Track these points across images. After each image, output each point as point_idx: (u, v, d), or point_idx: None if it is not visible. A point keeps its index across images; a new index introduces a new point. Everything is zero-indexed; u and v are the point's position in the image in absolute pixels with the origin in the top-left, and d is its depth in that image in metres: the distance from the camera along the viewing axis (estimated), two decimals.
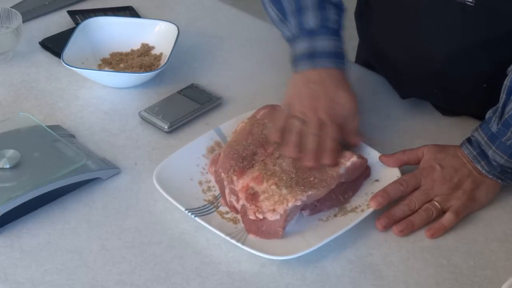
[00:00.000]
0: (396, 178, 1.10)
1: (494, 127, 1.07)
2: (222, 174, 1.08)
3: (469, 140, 1.10)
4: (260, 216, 1.03)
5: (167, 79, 1.35)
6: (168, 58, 1.33)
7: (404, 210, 1.06)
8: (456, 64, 1.18)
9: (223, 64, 1.39)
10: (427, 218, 1.06)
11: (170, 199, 1.06)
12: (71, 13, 1.52)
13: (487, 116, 1.09)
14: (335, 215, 1.07)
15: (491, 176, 1.08)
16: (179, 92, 1.30)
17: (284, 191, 1.03)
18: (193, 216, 1.04)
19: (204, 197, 1.09)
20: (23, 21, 1.41)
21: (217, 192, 1.10)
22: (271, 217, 1.02)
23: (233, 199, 1.06)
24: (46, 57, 1.41)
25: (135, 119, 1.26)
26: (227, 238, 1.01)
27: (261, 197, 1.04)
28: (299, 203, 1.02)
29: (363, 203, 1.08)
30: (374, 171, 1.13)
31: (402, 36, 1.24)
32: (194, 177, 1.12)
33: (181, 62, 1.39)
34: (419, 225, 1.05)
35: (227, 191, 1.07)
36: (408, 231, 1.05)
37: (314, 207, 1.06)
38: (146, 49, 1.40)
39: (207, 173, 1.13)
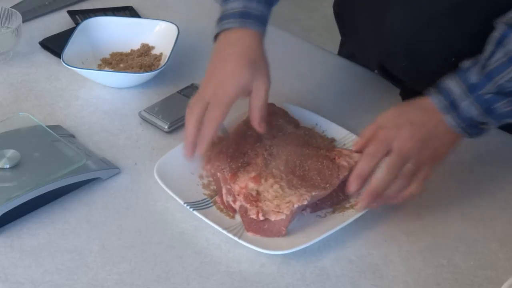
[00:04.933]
0: None
1: (473, 78, 1.01)
2: (218, 174, 1.08)
3: (439, 89, 1.04)
4: (262, 218, 1.03)
5: (167, 79, 1.35)
6: (168, 58, 1.33)
7: (386, 184, 1.03)
8: (424, 35, 1.17)
9: None
10: (403, 187, 1.03)
11: (169, 192, 1.06)
12: (71, 13, 1.52)
13: (463, 65, 1.04)
14: (333, 212, 1.07)
15: (458, 129, 1.03)
16: (179, 92, 1.30)
17: (287, 191, 1.04)
18: (191, 209, 1.04)
19: (204, 191, 1.09)
20: (23, 21, 1.41)
21: None
22: (275, 217, 1.02)
23: (229, 199, 1.06)
24: (46, 57, 1.41)
25: (135, 119, 1.26)
26: (224, 232, 1.01)
27: (262, 197, 1.04)
28: (305, 202, 1.02)
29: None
30: None
31: (370, 10, 1.24)
32: (195, 171, 1.12)
33: (181, 62, 1.39)
34: (396, 194, 1.03)
35: (224, 190, 1.07)
36: (385, 203, 1.04)
37: (315, 206, 1.06)
38: (146, 49, 1.40)
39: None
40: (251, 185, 1.05)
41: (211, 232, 1.04)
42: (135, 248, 1.03)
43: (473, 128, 1.03)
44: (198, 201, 1.07)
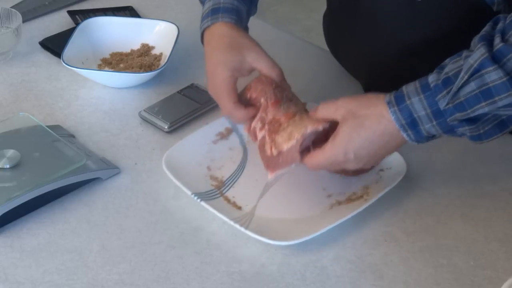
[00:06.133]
0: (403, 167, 1.10)
1: (442, 103, 0.96)
2: (262, 99, 1.08)
3: (399, 101, 0.99)
4: (275, 152, 1.03)
5: (167, 79, 1.35)
6: (168, 58, 1.33)
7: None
8: (407, 63, 1.18)
9: None
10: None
11: (177, 183, 1.07)
12: (71, 13, 1.53)
13: (433, 79, 0.97)
14: (340, 203, 1.07)
15: (410, 142, 1.00)
16: (179, 92, 1.30)
17: (305, 119, 1.04)
18: (198, 200, 1.05)
19: (211, 182, 1.10)
20: (23, 21, 1.41)
21: (225, 178, 1.11)
22: (286, 146, 1.02)
23: (258, 126, 1.07)
24: (46, 57, 1.41)
25: (135, 119, 1.26)
26: (231, 222, 1.02)
27: (280, 129, 1.04)
28: (320, 128, 1.01)
29: (368, 191, 1.08)
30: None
31: (356, 33, 1.24)
32: (203, 162, 1.13)
33: (181, 62, 1.39)
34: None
35: (257, 117, 1.08)
36: None
37: (308, 151, 1.04)
38: (146, 49, 1.40)
39: (215, 159, 1.14)
40: (283, 120, 1.05)
41: (211, 232, 1.04)
42: (135, 248, 1.03)
43: (426, 139, 1.01)
44: (206, 192, 1.08)
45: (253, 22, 1.29)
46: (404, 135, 1.00)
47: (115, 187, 1.12)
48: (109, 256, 1.02)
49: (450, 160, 1.18)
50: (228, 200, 1.08)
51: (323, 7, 1.38)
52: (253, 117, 1.09)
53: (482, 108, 0.94)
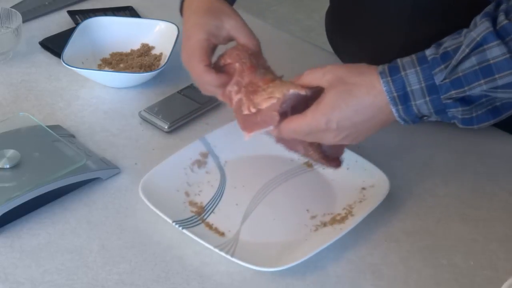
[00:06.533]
0: (386, 186, 1.08)
1: (437, 78, 0.93)
2: (237, 64, 1.04)
3: (393, 72, 0.95)
4: (253, 110, 0.99)
5: (167, 79, 1.35)
6: (168, 58, 1.33)
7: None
8: None
9: None
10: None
11: (156, 211, 1.04)
12: (71, 13, 1.53)
13: (430, 53, 0.94)
14: (325, 225, 1.05)
15: (398, 119, 0.96)
16: (179, 92, 1.30)
17: (287, 83, 0.99)
18: (180, 228, 1.02)
19: (191, 209, 1.08)
20: (23, 21, 1.41)
21: (204, 203, 1.08)
22: (266, 104, 0.98)
23: (233, 89, 1.03)
24: (46, 57, 1.41)
25: (135, 119, 1.26)
26: (216, 250, 0.99)
27: (260, 90, 1.00)
28: (303, 92, 0.96)
29: (352, 211, 1.07)
30: (360, 177, 1.11)
31: (358, 32, 1.24)
32: (180, 188, 1.10)
33: (181, 62, 1.38)
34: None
35: (232, 81, 1.04)
36: None
37: (286, 116, 1.00)
38: (146, 49, 1.40)
39: (193, 184, 1.11)
40: (260, 83, 1.01)
41: None
42: (135, 248, 1.03)
43: (414, 119, 0.97)
44: (186, 219, 1.05)
45: (253, 22, 1.28)
46: (393, 110, 0.95)
47: (115, 187, 1.12)
48: (109, 256, 1.02)
49: (450, 160, 1.18)
50: (209, 227, 1.05)
51: (323, 7, 1.38)
52: (225, 84, 1.04)
53: (480, 86, 0.91)
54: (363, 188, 1.10)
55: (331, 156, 1.03)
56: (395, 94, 0.94)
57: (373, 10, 1.19)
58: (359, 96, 0.95)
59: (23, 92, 1.32)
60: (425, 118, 0.97)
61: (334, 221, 1.06)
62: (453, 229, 1.07)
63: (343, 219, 1.05)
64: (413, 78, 0.93)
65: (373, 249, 1.04)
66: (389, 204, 1.08)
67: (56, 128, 1.20)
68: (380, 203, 1.06)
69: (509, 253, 1.03)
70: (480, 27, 0.91)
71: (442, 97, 0.93)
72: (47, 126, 1.17)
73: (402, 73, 0.94)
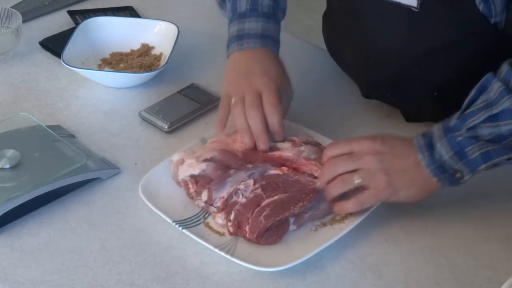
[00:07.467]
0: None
1: (452, 122, 1.01)
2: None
3: (424, 132, 1.04)
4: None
5: (167, 79, 1.35)
6: (168, 58, 1.33)
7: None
8: (406, 71, 1.18)
9: (223, 64, 1.38)
10: (341, 188, 1.04)
11: (157, 211, 1.04)
12: (71, 13, 1.53)
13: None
14: (324, 225, 1.05)
15: (428, 170, 1.01)
16: (179, 92, 1.30)
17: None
18: (180, 228, 1.02)
19: (191, 208, 1.07)
20: (23, 21, 1.41)
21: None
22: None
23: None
24: (46, 57, 1.41)
25: (135, 119, 1.26)
26: (216, 250, 0.99)
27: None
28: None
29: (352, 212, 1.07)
30: None
31: (354, 39, 1.24)
32: (180, 188, 1.10)
33: (181, 62, 1.39)
34: (331, 195, 1.05)
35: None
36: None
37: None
38: (146, 49, 1.40)
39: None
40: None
41: None
42: (135, 248, 1.03)
43: (445, 174, 1.01)
44: (187, 219, 1.05)
45: None
46: (420, 157, 1.01)
47: (115, 187, 1.12)
48: (109, 256, 1.02)
49: None
50: (209, 227, 1.04)
51: (323, 7, 1.38)
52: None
53: (480, 117, 0.99)
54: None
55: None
56: (421, 143, 1.02)
57: (367, 17, 1.20)
58: (401, 139, 1.05)
59: (23, 92, 1.32)
60: (457, 174, 1.02)
61: (334, 221, 1.06)
62: (453, 229, 1.07)
63: (343, 219, 1.05)
64: (436, 128, 1.03)
65: (373, 249, 1.04)
66: (389, 204, 1.08)
67: (56, 128, 1.20)
68: (380, 203, 1.06)
69: (509, 253, 1.03)
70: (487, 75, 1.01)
71: (454, 134, 1.00)
72: (47, 126, 1.17)
73: (428, 130, 1.03)
